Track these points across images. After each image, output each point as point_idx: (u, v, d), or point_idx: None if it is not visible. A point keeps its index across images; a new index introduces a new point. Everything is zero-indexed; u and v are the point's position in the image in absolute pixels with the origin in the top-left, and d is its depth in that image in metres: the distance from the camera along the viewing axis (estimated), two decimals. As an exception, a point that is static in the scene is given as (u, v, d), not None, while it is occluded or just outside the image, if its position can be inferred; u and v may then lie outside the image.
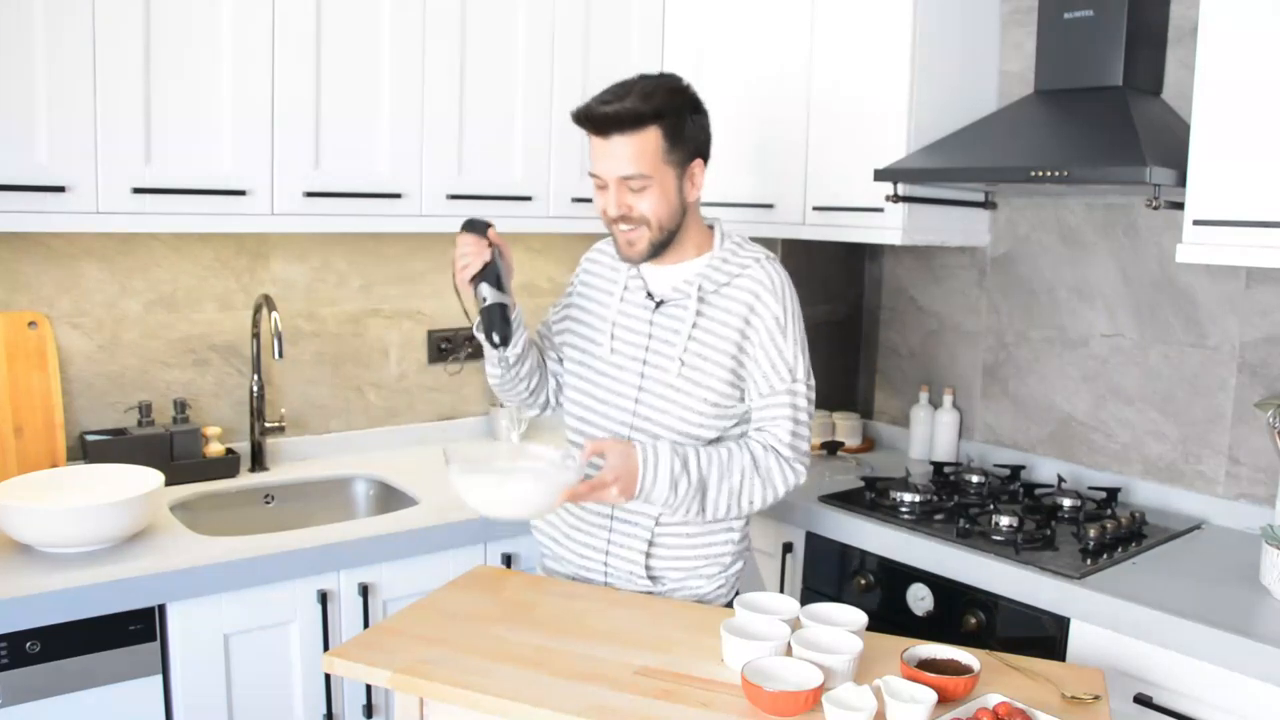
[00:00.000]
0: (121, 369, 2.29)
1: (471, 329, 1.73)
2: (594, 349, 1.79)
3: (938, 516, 2.21)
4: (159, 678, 1.82)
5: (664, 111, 1.63)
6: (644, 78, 1.67)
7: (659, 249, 1.72)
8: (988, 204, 2.59)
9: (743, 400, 1.75)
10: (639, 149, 1.63)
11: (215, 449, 2.32)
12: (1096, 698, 1.39)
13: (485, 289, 1.65)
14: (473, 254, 1.65)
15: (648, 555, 1.74)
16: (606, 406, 1.77)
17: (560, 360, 1.90)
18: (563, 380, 1.87)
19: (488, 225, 1.68)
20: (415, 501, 2.25)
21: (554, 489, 1.58)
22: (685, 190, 1.70)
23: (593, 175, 1.69)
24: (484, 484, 1.59)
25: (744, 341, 1.71)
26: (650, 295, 1.76)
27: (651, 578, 1.74)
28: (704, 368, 1.71)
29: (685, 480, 1.63)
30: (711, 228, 1.79)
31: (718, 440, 1.74)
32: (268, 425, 2.42)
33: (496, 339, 1.65)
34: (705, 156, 1.72)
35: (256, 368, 2.41)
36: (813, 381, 1.76)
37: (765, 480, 1.70)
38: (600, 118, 1.63)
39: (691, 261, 1.76)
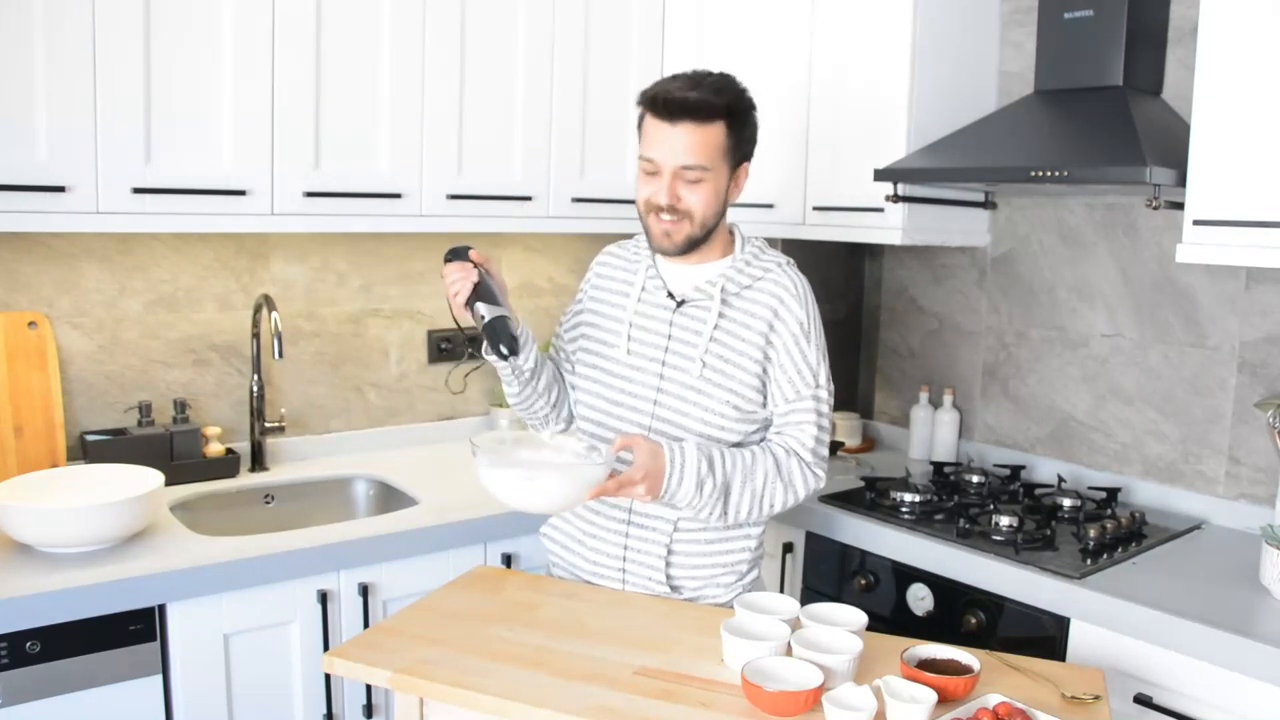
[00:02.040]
0: (121, 369, 2.29)
1: (482, 352, 1.71)
2: (609, 351, 1.77)
3: (938, 516, 2.21)
4: (159, 678, 1.82)
5: (733, 109, 1.64)
6: (711, 73, 1.68)
7: (694, 245, 1.70)
8: (988, 204, 2.59)
9: (765, 406, 1.73)
10: (704, 140, 1.63)
11: (215, 449, 2.32)
12: (1096, 698, 1.39)
13: (481, 307, 1.64)
14: (460, 278, 1.64)
15: (667, 564, 1.73)
16: (623, 409, 1.74)
17: (574, 369, 1.86)
18: (575, 384, 1.84)
19: (468, 248, 1.69)
20: (415, 501, 2.25)
21: (582, 484, 1.56)
22: (730, 191, 1.71)
23: (645, 159, 1.66)
24: (512, 478, 1.57)
25: (768, 347, 1.70)
26: (671, 295, 1.75)
27: (672, 586, 1.73)
28: (726, 370, 1.70)
29: (711, 482, 1.62)
30: (732, 231, 1.79)
31: (739, 445, 1.73)
32: (268, 425, 2.42)
33: (504, 350, 1.63)
34: (750, 160, 1.74)
35: (256, 368, 2.41)
36: (832, 387, 1.76)
37: (787, 484, 1.69)
38: (677, 103, 1.61)
39: (714, 262, 1.75)
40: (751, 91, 1.71)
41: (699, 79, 1.65)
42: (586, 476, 1.57)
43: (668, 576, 1.72)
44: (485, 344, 1.66)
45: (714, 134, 1.63)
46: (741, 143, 1.69)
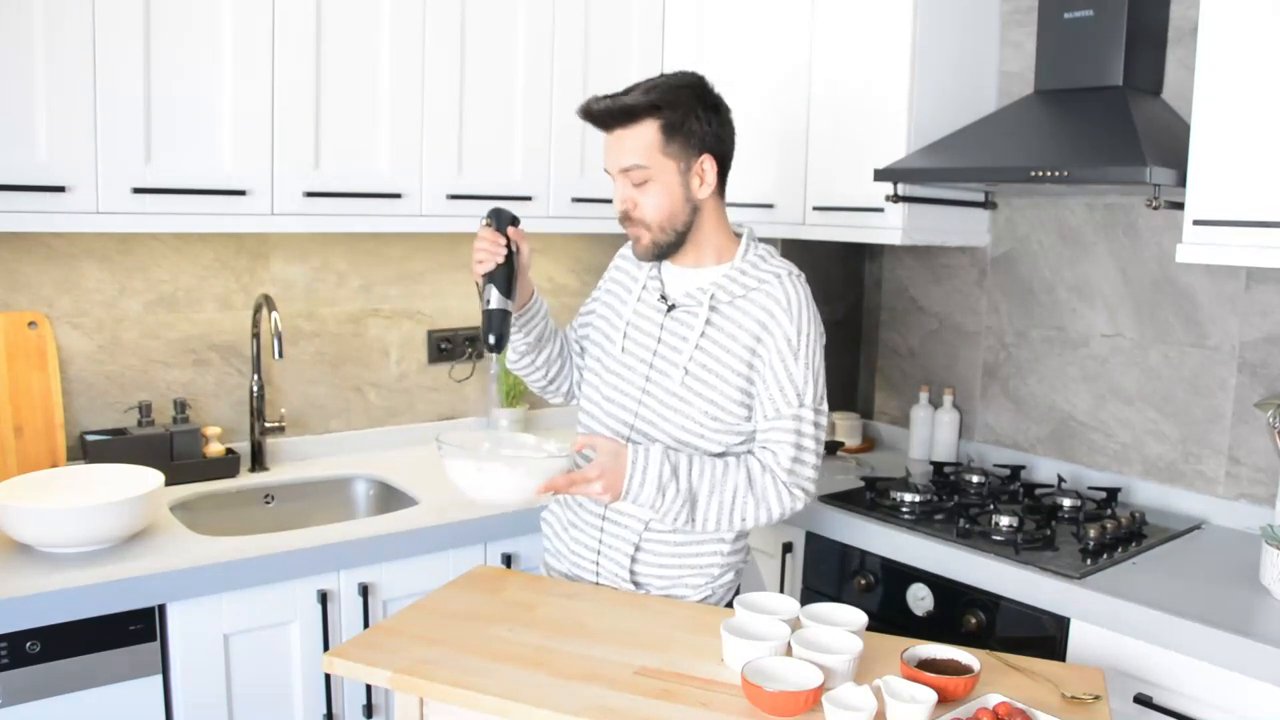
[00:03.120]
0: (121, 369, 2.29)
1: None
2: (609, 346, 1.79)
3: (938, 516, 2.21)
4: (159, 678, 1.82)
5: (661, 105, 1.65)
6: (658, 75, 1.71)
7: (666, 249, 1.72)
8: (988, 204, 2.59)
9: (750, 420, 1.71)
10: (635, 141, 1.66)
11: (215, 449, 2.32)
12: (1096, 698, 1.39)
13: (492, 292, 1.65)
14: (488, 253, 1.66)
15: (633, 560, 1.73)
16: (612, 405, 1.76)
17: (583, 354, 1.91)
18: (583, 374, 1.88)
19: (512, 220, 1.69)
20: (415, 501, 2.25)
21: (531, 475, 1.60)
22: (692, 187, 1.69)
23: (605, 171, 1.73)
24: (465, 468, 1.62)
25: (754, 359, 1.68)
26: (664, 298, 1.75)
27: (635, 583, 1.74)
28: (708, 380, 1.69)
29: (674, 487, 1.62)
30: (740, 236, 1.77)
31: (722, 455, 1.72)
32: (268, 425, 2.42)
33: (492, 340, 1.65)
34: (718, 154, 1.71)
35: (256, 368, 2.41)
36: (824, 407, 1.71)
37: (760, 500, 1.67)
38: (597, 113, 1.69)
39: (711, 268, 1.74)
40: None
41: (636, 85, 1.69)
42: (536, 470, 1.61)
43: (631, 573, 1.73)
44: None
45: (645, 132, 1.65)
46: (683, 135, 1.66)
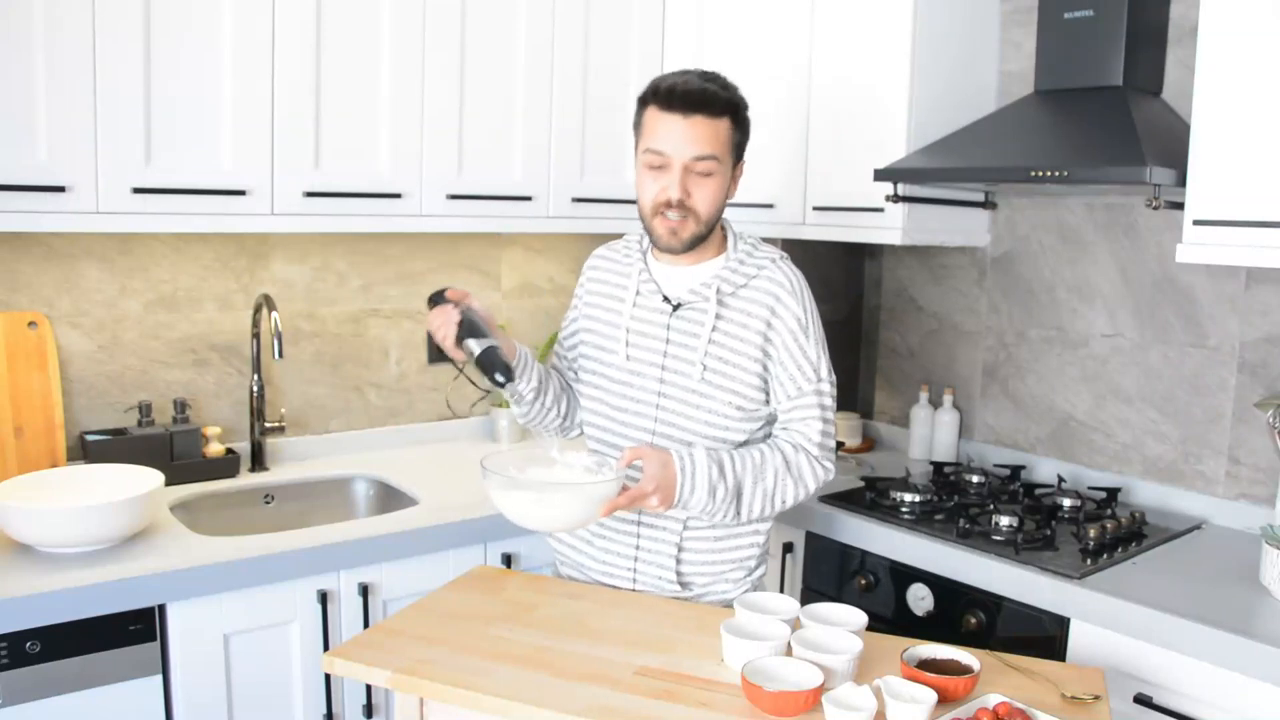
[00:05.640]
0: (121, 369, 2.29)
1: (489, 386, 1.71)
2: (609, 357, 1.76)
3: (938, 516, 2.21)
4: (159, 678, 1.82)
5: (737, 105, 1.67)
6: (710, 71, 1.69)
7: (698, 241, 1.70)
8: (988, 204, 2.59)
9: (768, 403, 1.73)
10: (715, 132, 1.64)
11: (215, 449, 2.32)
12: (1096, 698, 1.39)
13: (471, 343, 1.64)
14: (442, 323, 1.65)
15: (678, 562, 1.73)
16: (626, 415, 1.74)
17: (578, 374, 1.86)
18: (581, 392, 1.83)
19: (444, 291, 1.70)
20: (415, 501, 2.25)
21: (594, 502, 1.57)
22: (731, 188, 1.72)
23: (654, 153, 1.64)
24: (523, 500, 1.57)
25: (767, 344, 1.70)
26: (666, 299, 1.74)
27: (682, 583, 1.73)
28: (727, 371, 1.69)
29: (723, 486, 1.63)
30: (724, 229, 1.78)
31: (745, 444, 1.72)
32: (268, 425, 2.42)
33: (500, 379, 1.62)
34: (743, 160, 1.74)
35: (256, 368, 2.41)
36: (834, 378, 1.76)
37: (797, 479, 1.69)
38: (695, 95, 1.62)
39: (708, 263, 1.74)
40: (751, 91, 1.72)
41: (705, 75, 1.67)
42: (596, 494, 1.57)
43: (678, 574, 1.73)
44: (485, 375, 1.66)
45: (723, 128, 1.65)
46: (743, 140, 1.71)
